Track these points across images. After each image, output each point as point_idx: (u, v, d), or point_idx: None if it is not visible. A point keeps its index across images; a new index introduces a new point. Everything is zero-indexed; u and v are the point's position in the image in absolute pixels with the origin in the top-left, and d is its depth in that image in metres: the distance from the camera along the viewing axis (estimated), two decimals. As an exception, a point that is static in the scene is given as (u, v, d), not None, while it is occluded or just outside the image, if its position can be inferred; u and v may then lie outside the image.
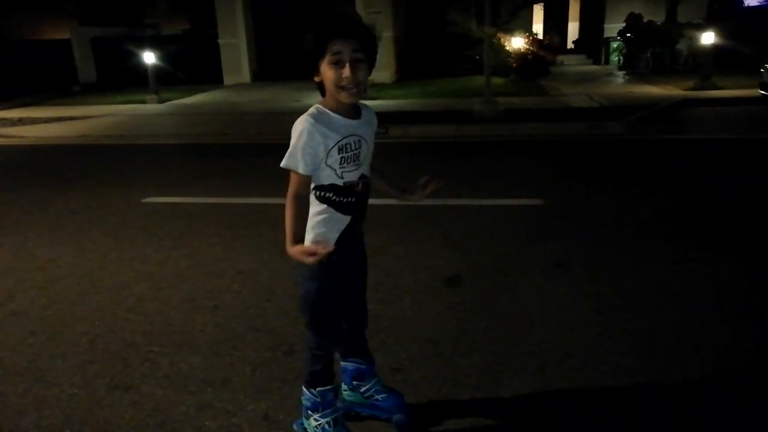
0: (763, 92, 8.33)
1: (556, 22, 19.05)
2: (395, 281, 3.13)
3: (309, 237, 1.69)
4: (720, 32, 10.15)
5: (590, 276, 3.14)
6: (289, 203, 1.63)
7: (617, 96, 9.88)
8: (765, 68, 8.28)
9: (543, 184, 5.01)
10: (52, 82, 14.31)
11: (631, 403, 2.10)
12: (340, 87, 1.53)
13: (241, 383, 2.26)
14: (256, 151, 6.98)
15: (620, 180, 5.14)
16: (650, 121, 7.83)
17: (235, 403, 2.14)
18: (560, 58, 16.07)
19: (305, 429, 1.94)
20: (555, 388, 2.17)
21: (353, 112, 1.66)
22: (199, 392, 2.21)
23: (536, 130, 7.58)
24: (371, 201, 1.78)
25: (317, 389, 1.86)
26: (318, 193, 1.66)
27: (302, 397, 1.92)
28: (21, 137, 8.59)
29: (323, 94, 1.63)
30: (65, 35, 15.82)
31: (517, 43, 12.52)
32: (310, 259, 1.54)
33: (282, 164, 1.61)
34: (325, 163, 1.60)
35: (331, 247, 1.57)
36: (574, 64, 16.25)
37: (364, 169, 1.70)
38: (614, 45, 14.57)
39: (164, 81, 12.45)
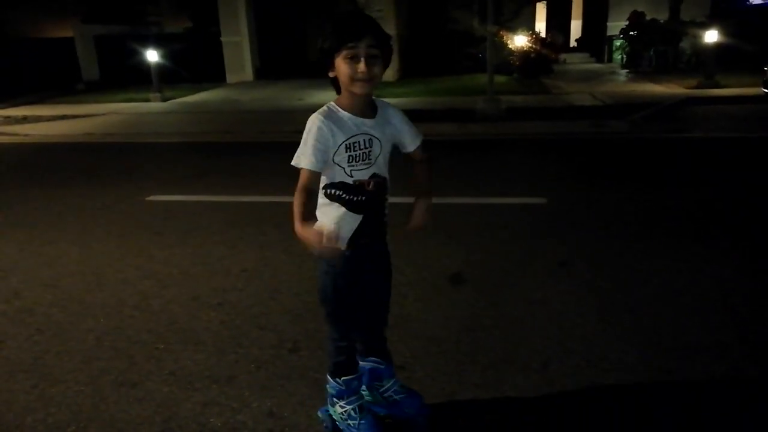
0: (766, 90, 8.29)
1: (558, 20, 19.01)
2: (399, 279, 3.13)
3: None
4: (723, 30, 10.12)
5: (593, 274, 3.15)
6: (297, 193, 1.59)
7: (620, 94, 9.86)
8: (768, 66, 8.26)
9: (546, 182, 5.02)
10: (55, 81, 14.33)
11: (635, 401, 2.10)
12: (354, 80, 1.56)
13: (246, 380, 2.27)
14: (259, 150, 6.99)
15: (623, 178, 5.14)
16: (653, 119, 7.82)
17: (239, 400, 2.16)
18: (563, 56, 16.03)
19: (330, 416, 1.96)
20: (558, 386, 2.18)
21: (368, 110, 1.67)
22: (205, 389, 2.23)
23: (539, 129, 7.58)
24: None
25: (342, 378, 1.90)
26: (328, 191, 1.67)
27: (327, 386, 1.94)
28: (25, 135, 8.61)
29: (338, 91, 1.65)
30: (69, 33, 15.83)
31: (519, 41, 12.51)
32: (315, 240, 1.44)
33: (292, 162, 1.61)
34: (333, 160, 1.62)
35: (338, 243, 1.52)
36: (577, 63, 16.21)
37: (377, 169, 1.68)
38: (617, 43, 14.52)
39: (167, 79, 12.47)
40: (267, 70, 15.23)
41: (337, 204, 1.68)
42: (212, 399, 2.17)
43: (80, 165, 6.55)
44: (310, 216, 1.57)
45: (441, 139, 7.03)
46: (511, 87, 11.14)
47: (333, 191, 1.66)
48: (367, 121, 1.65)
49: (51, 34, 16.87)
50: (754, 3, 14.93)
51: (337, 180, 1.65)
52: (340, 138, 1.60)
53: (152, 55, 11.37)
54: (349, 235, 1.70)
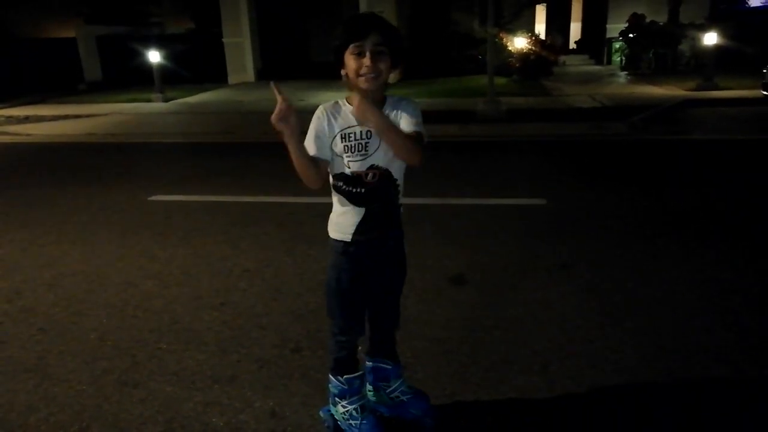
0: (765, 93, 8.32)
1: (558, 22, 19.02)
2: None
3: (330, 228, 1.78)
4: (722, 33, 10.14)
5: (594, 275, 3.16)
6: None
7: (619, 96, 9.88)
8: (767, 69, 8.28)
9: (546, 184, 5.03)
10: (58, 81, 14.37)
11: (636, 402, 2.11)
12: (359, 74, 1.59)
13: (248, 380, 2.28)
14: (260, 150, 7.00)
15: (623, 180, 5.15)
16: (652, 121, 7.83)
17: (242, 400, 2.17)
18: (562, 58, 16.05)
19: (332, 415, 1.97)
20: (559, 387, 2.19)
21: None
22: (207, 389, 2.24)
23: (539, 130, 7.59)
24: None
25: (344, 377, 1.90)
26: (333, 182, 1.73)
27: (329, 385, 1.95)
28: (28, 135, 8.63)
29: (350, 88, 1.68)
30: (71, 34, 15.86)
31: (519, 43, 12.52)
32: (276, 119, 1.53)
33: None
34: (333, 151, 1.67)
35: (288, 120, 1.54)
36: (577, 65, 16.22)
37: (376, 161, 1.67)
38: (616, 45, 14.54)
39: (169, 80, 12.48)
40: (268, 71, 15.24)
41: (340, 196, 1.73)
42: (214, 399, 2.18)
43: (82, 165, 6.56)
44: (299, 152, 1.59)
45: (442, 140, 7.03)
46: (511, 89, 11.15)
47: (336, 182, 1.72)
48: None
49: (54, 35, 16.91)
50: (753, 5, 14.96)
51: (338, 171, 1.70)
52: (336, 128, 1.66)
53: (154, 56, 11.40)
54: (353, 228, 1.72)
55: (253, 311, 2.86)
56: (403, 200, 1.81)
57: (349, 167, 1.67)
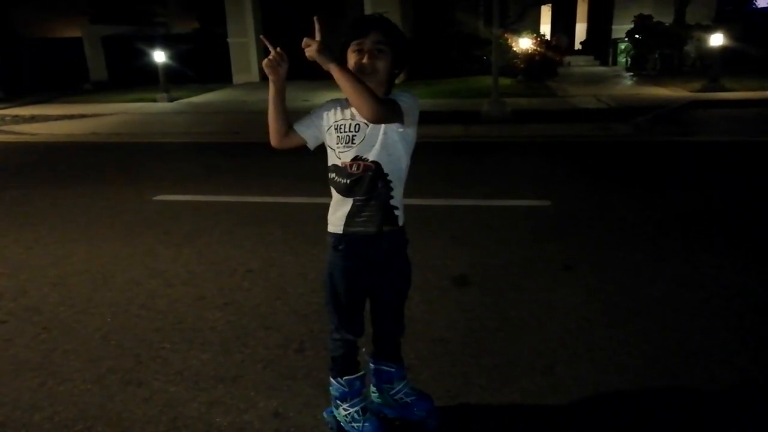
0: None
1: (563, 22, 18.97)
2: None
3: (328, 222, 1.81)
4: (729, 34, 10.09)
5: (598, 277, 3.15)
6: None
7: (625, 97, 9.85)
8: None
9: (551, 185, 5.02)
10: (63, 80, 14.44)
11: (639, 404, 2.11)
12: (357, 71, 1.62)
13: (252, 380, 2.29)
14: (265, 151, 6.94)
15: (628, 181, 5.14)
16: (658, 122, 7.81)
17: (246, 400, 2.17)
18: (567, 59, 16.00)
19: (335, 417, 1.97)
20: (563, 389, 2.19)
21: None
22: (211, 389, 2.24)
23: (544, 131, 7.58)
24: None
25: (344, 378, 1.90)
26: (328, 174, 1.78)
27: (330, 388, 1.95)
28: (33, 134, 8.67)
29: None
30: (77, 33, 15.93)
31: (524, 43, 12.49)
32: (267, 63, 1.70)
33: None
34: (327, 142, 1.76)
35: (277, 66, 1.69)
36: (582, 65, 16.18)
37: (360, 152, 1.69)
38: (622, 46, 14.49)
39: (174, 80, 12.52)
40: (273, 72, 15.27)
41: (331, 187, 1.78)
42: (218, 399, 2.18)
43: (87, 164, 6.59)
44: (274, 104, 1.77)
45: (446, 141, 7.03)
46: (516, 89, 11.13)
47: (329, 174, 1.77)
48: None
49: (59, 35, 16.99)
50: (759, 6, 14.89)
51: (331, 163, 1.76)
52: (332, 118, 1.74)
53: (159, 56, 11.43)
54: (343, 220, 1.75)
55: (257, 311, 2.86)
56: (406, 201, 1.80)
57: (339, 158, 1.73)
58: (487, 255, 3.51)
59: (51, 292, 3.16)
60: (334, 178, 1.76)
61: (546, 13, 18.82)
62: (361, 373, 1.94)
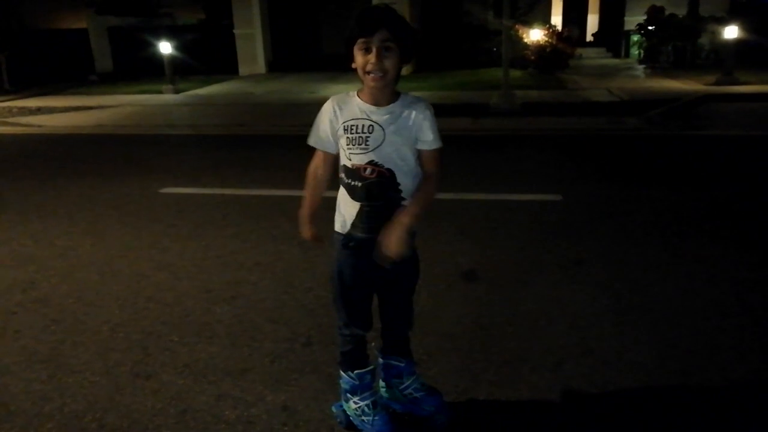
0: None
1: (575, 14, 18.77)
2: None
3: (335, 219, 1.79)
4: (743, 26, 9.93)
5: (608, 273, 3.12)
6: (306, 179, 1.83)
7: (637, 90, 9.73)
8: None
9: (561, 179, 4.97)
10: (69, 72, 14.45)
11: (648, 402, 2.08)
12: (366, 72, 1.59)
13: (260, 374, 2.28)
14: (271, 143, 7.00)
15: (640, 176, 5.08)
16: (670, 116, 7.71)
17: (253, 393, 2.16)
18: (579, 51, 15.82)
19: (344, 411, 1.96)
20: (572, 385, 2.17)
21: (382, 100, 1.67)
22: (219, 382, 2.24)
23: (555, 124, 7.51)
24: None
25: (354, 372, 1.89)
26: (339, 174, 1.75)
27: (340, 381, 1.94)
28: (39, 126, 8.69)
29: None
30: (82, 25, 15.93)
31: (535, 35, 12.36)
32: (304, 231, 1.85)
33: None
34: (339, 143, 1.71)
35: (317, 239, 1.84)
36: (593, 57, 16.01)
37: (375, 156, 1.65)
38: (634, 38, 14.31)
39: (180, 71, 12.50)
40: (279, 63, 15.22)
41: (341, 187, 1.76)
42: (226, 392, 2.18)
43: (93, 156, 6.60)
44: (313, 201, 1.81)
45: (455, 134, 6.98)
46: (527, 81, 11.04)
47: (339, 174, 1.74)
48: (374, 108, 1.66)
49: (65, 25, 16.99)
50: (775, -2, 14.62)
51: (342, 163, 1.73)
52: (341, 119, 1.67)
53: (165, 47, 11.40)
54: (350, 222, 1.73)
55: (264, 305, 2.86)
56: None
57: (350, 159, 1.68)
58: (496, 250, 3.48)
59: (59, 284, 3.16)
60: (343, 178, 1.73)
61: (557, 4, 18.61)
62: (371, 367, 1.93)
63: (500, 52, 9.15)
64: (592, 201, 4.39)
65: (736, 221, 3.88)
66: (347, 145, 1.67)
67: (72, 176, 5.53)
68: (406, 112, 1.67)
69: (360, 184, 1.68)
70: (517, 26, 12.34)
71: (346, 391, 1.93)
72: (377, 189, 1.68)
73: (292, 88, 11.79)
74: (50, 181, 5.34)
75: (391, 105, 1.67)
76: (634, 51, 14.37)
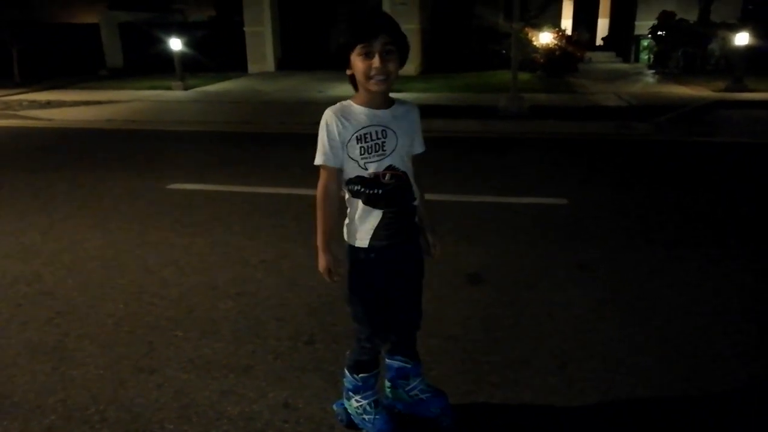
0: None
1: (585, 17, 18.71)
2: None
3: (347, 234, 1.74)
4: (754, 33, 9.87)
5: (613, 277, 3.10)
6: (318, 202, 1.69)
7: (646, 95, 9.69)
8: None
9: (568, 183, 4.95)
10: (79, 66, 14.53)
11: (652, 406, 2.07)
12: (369, 77, 1.56)
13: (263, 371, 2.28)
14: (280, 141, 7.02)
15: (647, 181, 5.05)
16: (679, 122, 7.66)
17: (256, 390, 2.17)
18: (588, 55, 15.77)
19: (345, 409, 1.96)
20: (576, 389, 2.16)
21: (383, 105, 1.66)
22: (222, 378, 2.24)
23: (562, 128, 7.48)
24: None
25: (360, 375, 1.89)
26: (348, 187, 1.69)
27: (344, 379, 1.94)
28: (49, 120, 8.74)
29: (356, 88, 1.65)
30: (94, 19, 16.02)
31: (545, 38, 12.33)
32: (323, 269, 1.72)
33: (315, 162, 1.66)
34: (348, 155, 1.63)
35: (339, 270, 1.72)
36: (603, 62, 15.95)
37: (393, 161, 1.65)
38: (645, 43, 14.26)
39: (190, 67, 12.54)
40: (289, 61, 15.25)
41: (357, 200, 1.69)
42: (229, 388, 2.18)
43: (102, 151, 6.63)
44: (327, 224, 1.70)
45: (462, 136, 6.98)
46: (535, 85, 11.00)
47: (352, 186, 1.68)
48: (380, 112, 1.64)
49: (76, 20, 17.09)
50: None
51: (354, 175, 1.66)
52: (351, 130, 1.61)
53: (175, 44, 11.44)
54: (371, 233, 1.69)
55: (268, 302, 2.86)
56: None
57: (366, 168, 1.64)
58: (502, 252, 3.47)
59: (65, 278, 3.18)
60: (359, 189, 1.66)
61: (567, 7, 18.58)
62: (377, 370, 1.93)
63: (509, 55, 9.13)
64: (599, 205, 4.37)
65: (743, 227, 3.85)
66: (362, 154, 1.62)
67: (80, 170, 5.56)
68: (406, 114, 1.69)
69: (381, 191, 1.65)
70: (526, 29, 12.31)
71: (349, 390, 1.93)
72: (398, 193, 1.68)
73: (300, 86, 11.81)
74: (58, 175, 5.37)
75: (392, 108, 1.67)
76: (644, 56, 14.31)
